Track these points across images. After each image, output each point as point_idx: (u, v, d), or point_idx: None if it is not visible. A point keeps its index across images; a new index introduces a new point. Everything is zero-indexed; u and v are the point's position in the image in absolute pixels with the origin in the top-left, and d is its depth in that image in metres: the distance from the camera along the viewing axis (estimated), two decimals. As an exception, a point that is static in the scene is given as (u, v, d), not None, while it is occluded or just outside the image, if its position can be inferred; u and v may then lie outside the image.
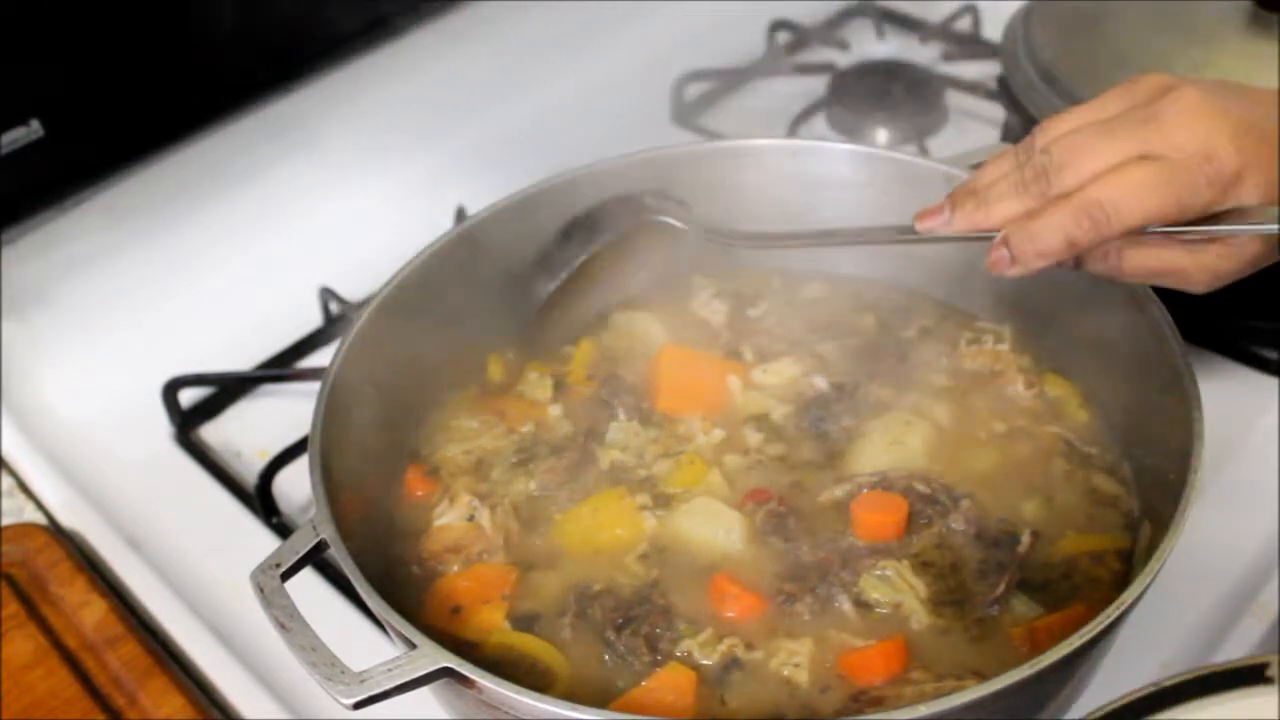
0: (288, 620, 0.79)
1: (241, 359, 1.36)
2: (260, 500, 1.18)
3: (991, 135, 1.54)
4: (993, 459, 1.02)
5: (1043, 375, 1.08)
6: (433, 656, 0.76)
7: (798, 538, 0.96)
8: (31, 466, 1.27)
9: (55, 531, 1.19)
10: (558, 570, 0.97)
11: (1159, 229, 0.81)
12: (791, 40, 1.78)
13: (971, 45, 1.72)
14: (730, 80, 1.73)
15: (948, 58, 1.71)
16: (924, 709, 0.71)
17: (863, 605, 0.92)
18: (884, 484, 0.98)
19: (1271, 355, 1.22)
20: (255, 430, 1.31)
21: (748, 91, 1.73)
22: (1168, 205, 0.79)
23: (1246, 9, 1.22)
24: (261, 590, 0.81)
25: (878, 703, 0.84)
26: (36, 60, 1.21)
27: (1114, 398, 1.03)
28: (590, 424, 1.07)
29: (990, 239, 0.86)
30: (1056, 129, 0.85)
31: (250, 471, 1.22)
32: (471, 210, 1.20)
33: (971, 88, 1.61)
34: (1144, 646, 0.97)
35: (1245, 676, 0.68)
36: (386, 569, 0.97)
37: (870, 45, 1.78)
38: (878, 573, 0.93)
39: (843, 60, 1.72)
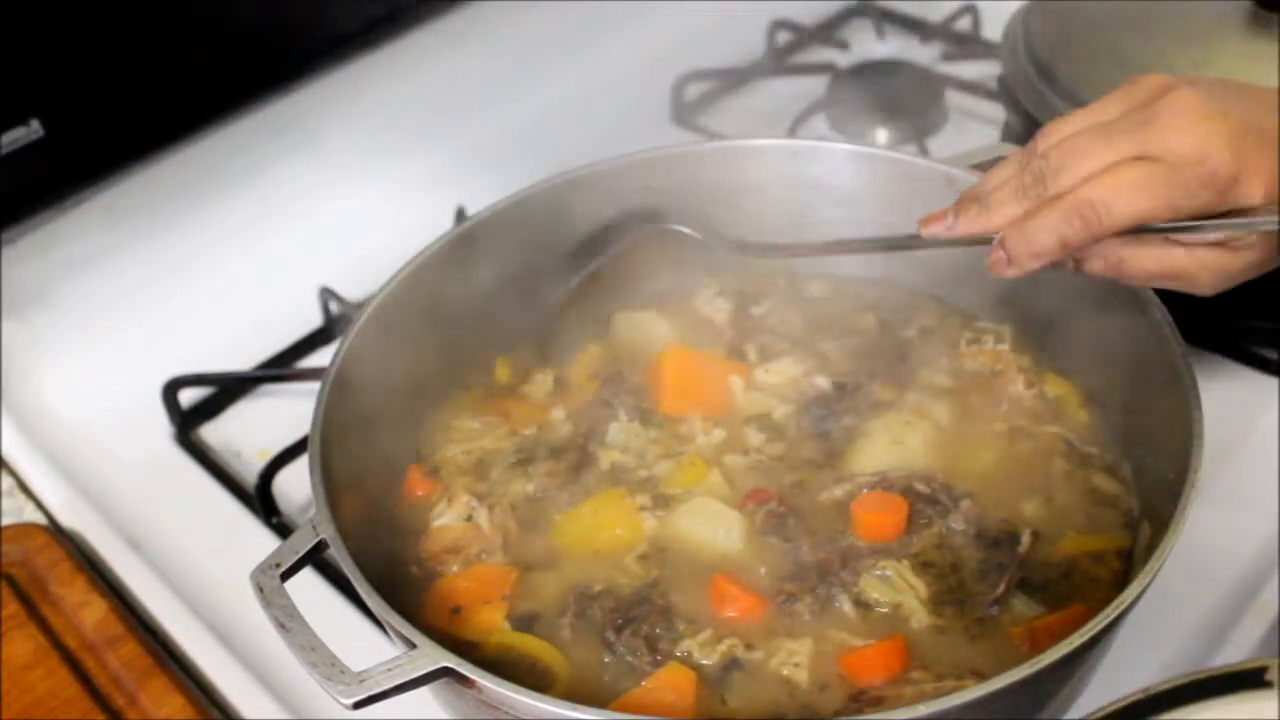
0: (288, 620, 0.79)
1: (241, 359, 1.36)
2: (260, 500, 1.18)
3: (991, 135, 1.54)
4: (993, 459, 1.02)
5: (1043, 375, 1.08)
6: (432, 656, 0.76)
7: (798, 538, 0.96)
8: (31, 466, 1.27)
9: (55, 531, 1.19)
10: (557, 570, 0.97)
11: (1155, 229, 0.81)
12: (791, 40, 1.78)
13: (971, 45, 1.72)
14: (730, 80, 1.73)
15: (948, 58, 1.71)
16: (924, 709, 0.71)
17: (863, 605, 0.92)
18: (884, 484, 0.98)
19: (1271, 355, 1.22)
20: (255, 430, 1.31)
21: (748, 91, 1.73)
22: (1160, 206, 0.79)
23: (1246, 9, 1.22)
24: (261, 590, 0.81)
25: (878, 702, 0.84)
26: (36, 60, 1.21)
27: (1114, 398, 1.03)
28: (591, 425, 1.07)
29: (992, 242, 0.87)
30: (1057, 133, 0.85)
31: (250, 471, 1.22)
32: (471, 210, 1.20)
33: (971, 88, 1.61)
34: (1144, 646, 0.97)
35: (1245, 680, 0.68)
36: (386, 569, 0.97)
37: (870, 45, 1.78)
38: (878, 573, 0.93)
39: (843, 60, 1.72)
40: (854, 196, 1.14)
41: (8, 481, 1.27)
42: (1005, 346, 1.10)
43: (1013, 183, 0.86)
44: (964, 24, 1.75)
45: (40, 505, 1.24)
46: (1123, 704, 0.68)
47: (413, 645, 0.77)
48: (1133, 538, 0.95)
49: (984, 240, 0.88)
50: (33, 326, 1.34)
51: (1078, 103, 0.88)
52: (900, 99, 1.60)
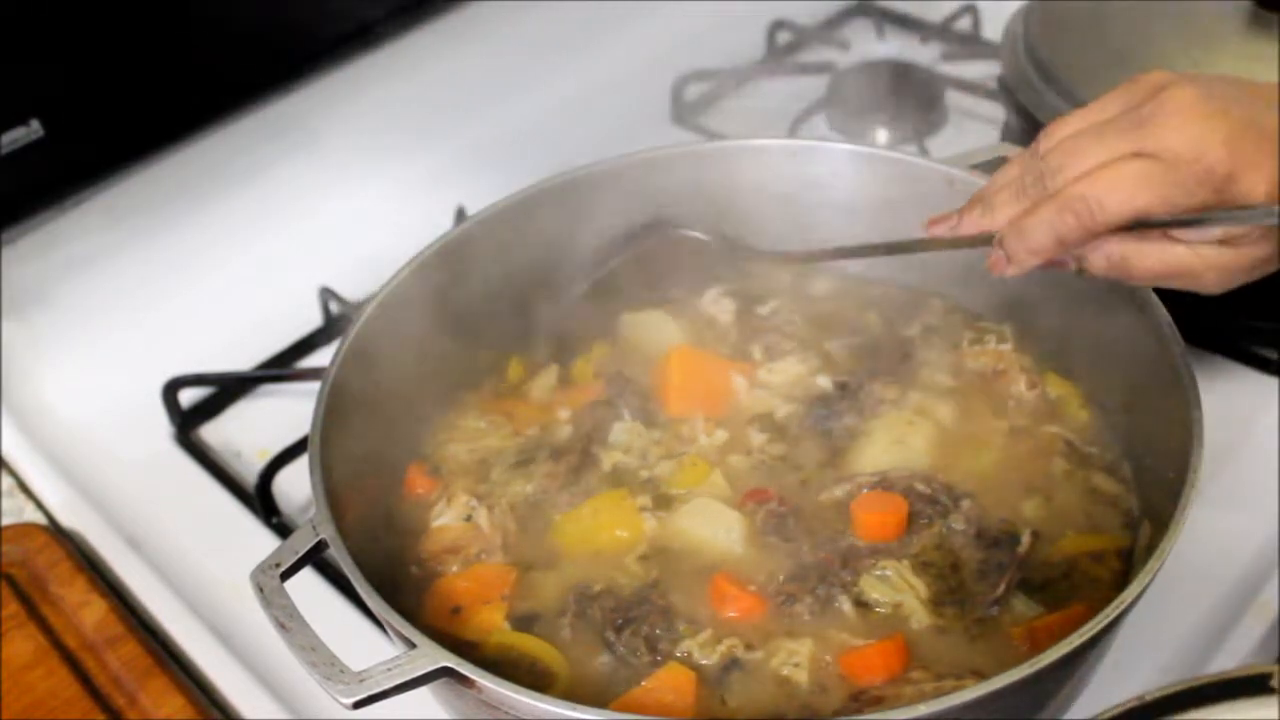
0: (288, 620, 0.79)
1: (241, 359, 1.36)
2: (260, 500, 1.18)
3: (991, 135, 1.54)
4: (994, 459, 1.03)
5: (1044, 375, 1.08)
6: (432, 656, 0.76)
7: (798, 538, 0.96)
8: (31, 466, 1.27)
9: (55, 531, 1.19)
10: (557, 570, 0.97)
11: (1153, 224, 0.81)
12: (791, 40, 1.78)
13: (971, 45, 1.72)
14: (730, 80, 1.72)
15: (948, 58, 1.70)
16: (924, 708, 0.71)
17: (863, 605, 0.92)
18: (884, 484, 0.98)
19: (1271, 355, 1.22)
20: (255, 430, 1.31)
21: (748, 91, 1.73)
22: (1155, 201, 0.79)
23: (1246, 9, 1.22)
24: (261, 590, 0.81)
25: (877, 702, 0.84)
26: (36, 60, 1.21)
27: (1114, 398, 1.03)
28: (594, 426, 1.07)
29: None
30: (1058, 133, 0.86)
31: (250, 471, 1.22)
32: (471, 210, 1.20)
33: (971, 88, 1.61)
34: (1144, 646, 0.97)
35: (1248, 686, 0.67)
36: (386, 569, 0.97)
37: (870, 45, 1.77)
38: (878, 573, 0.93)
39: (843, 60, 1.72)
40: (854, 196, 1.14)
41: (8, 481, 1.27)
42: (1007, 346, 1.10)
43: (1015, 184, 0.87)
44: (964, 24, 1.75)
45: (40, 505, 1.24)
46: (1127, 706, 0.67)
47: (413, 645, 0.78)
48: (1133, 538, 0.95)
49: (987, 240, 0.88)
50: (33, 326, 1.34)
51: (1078, 103, 0.88)
52: (900, 99, 1.60)
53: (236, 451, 1.30)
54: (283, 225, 1.46)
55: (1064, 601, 0.90)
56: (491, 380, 1.14)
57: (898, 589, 0.92)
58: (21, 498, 1.25)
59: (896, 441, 1.02)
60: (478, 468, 1.06)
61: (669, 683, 0.87)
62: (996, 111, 1.51)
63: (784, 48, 1.77)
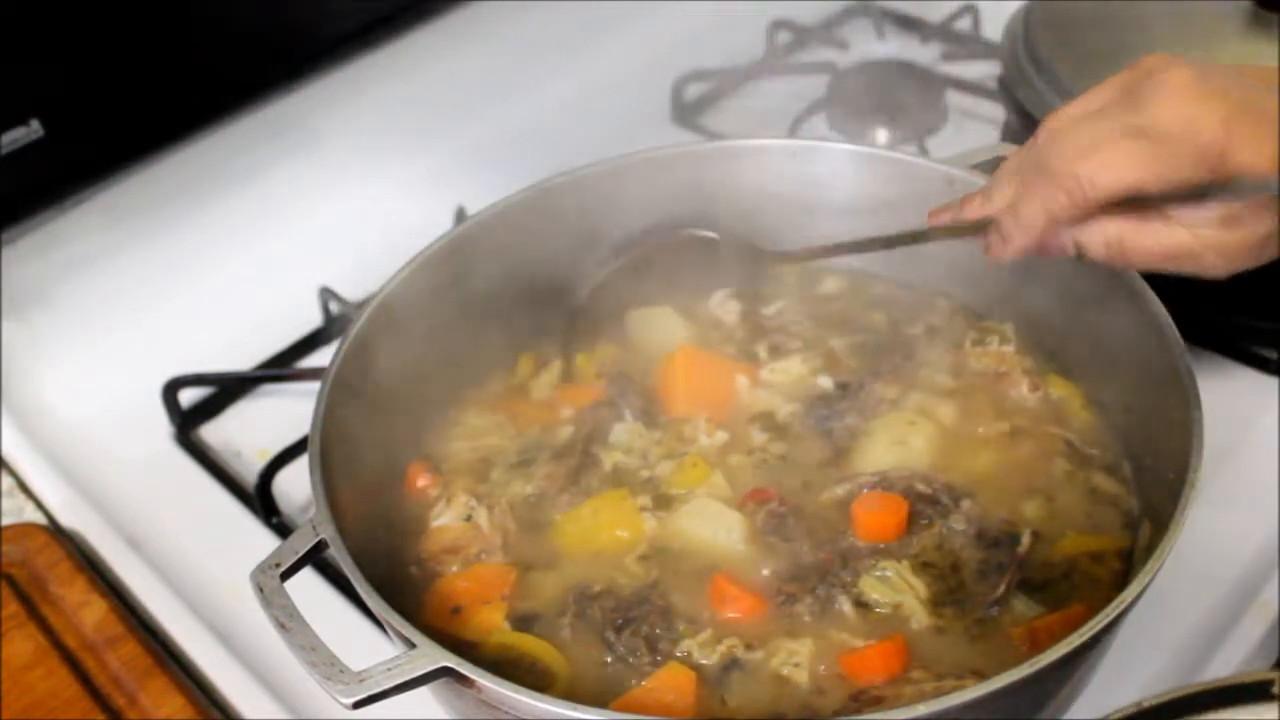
0: (288, 620, 0.79)
1: (241, 359, 1.36)
2: (260, 500, 1.18)
3: (991, 135, 1.54)
4: (995, 459, 1.02)
5: (1046, 377, 1.08)
6: (432, 656, 0.76)
7: (798, 538, 0.96)
8: (31, 466, 1.27)
9: (55, 531, 1.19)
10: (557, 570, 0.97)
11: (1147, 199, 0.80)
12: (791, 40, 1.78)
13: (971, 45, 1.72)
14: (730, 80, 1.72)
15: (948, 58, 1.71)
16: (923, 708, 0.71)
17: (863, 606, 0.92)
18: (884, 484, 0.98)
19: (1271, 355, 1.22)
20: (255, 430, 1.31)
21: (748, 91, 1.73)
22: (1146, 175, 0.78)
23: (1246, 9, 1.22)
24: (261, 590, 0.81)
25: (877, 702, 0.84)
26: (36, 60, 1.21)
27: (1114, 397, 1.03)
28: (596, 426, 1.07)
29: None
30: (1055, 121, 0.86)
31: (250, 471, 1.22)
32: (471, 210, 1.20)
33: (971, 88, 1.61)
34: (1144, 646, 0.97)
35: (1249, 693, 0.67)
36: (386, 569, 0.97)
37: (870, 45, 1.78)
38: (878, 573, 0.93)
39: (843, 60, 1.72)
40: (854, 196, 1.14)
41: (8, 481, 1.27)
42: (1010, 348, 1.10)
43: (1014, 172, 0.88)
44: (964, 24, 1.75)
45: (40, 505, 1.24)
46: (1116, 718, 0.67)
47: (412, 645, 0.77)
48: (1133, 538, 0.95)
49: (985, 227, 0.89)
50: (33, 326, 1.34)
51: (1078, 102, 0.88)
52: (900, 99, 1.60)
53: (236, 451, 1.30)
54: (283, 225, 1.46)
55: (1064, 602, 0.90)
56: (497, 379, 1.14)
57: (898, 589, 0.92)
58: (21, 498, 1.25)
59: (898, 442, 1.02)
60: (479, 467, 1.06)
61: (669, 683, 0.87)
62: (996, 111, 1.51)
63: (784, 48, 1.77)
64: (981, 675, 0.82)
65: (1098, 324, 1.02)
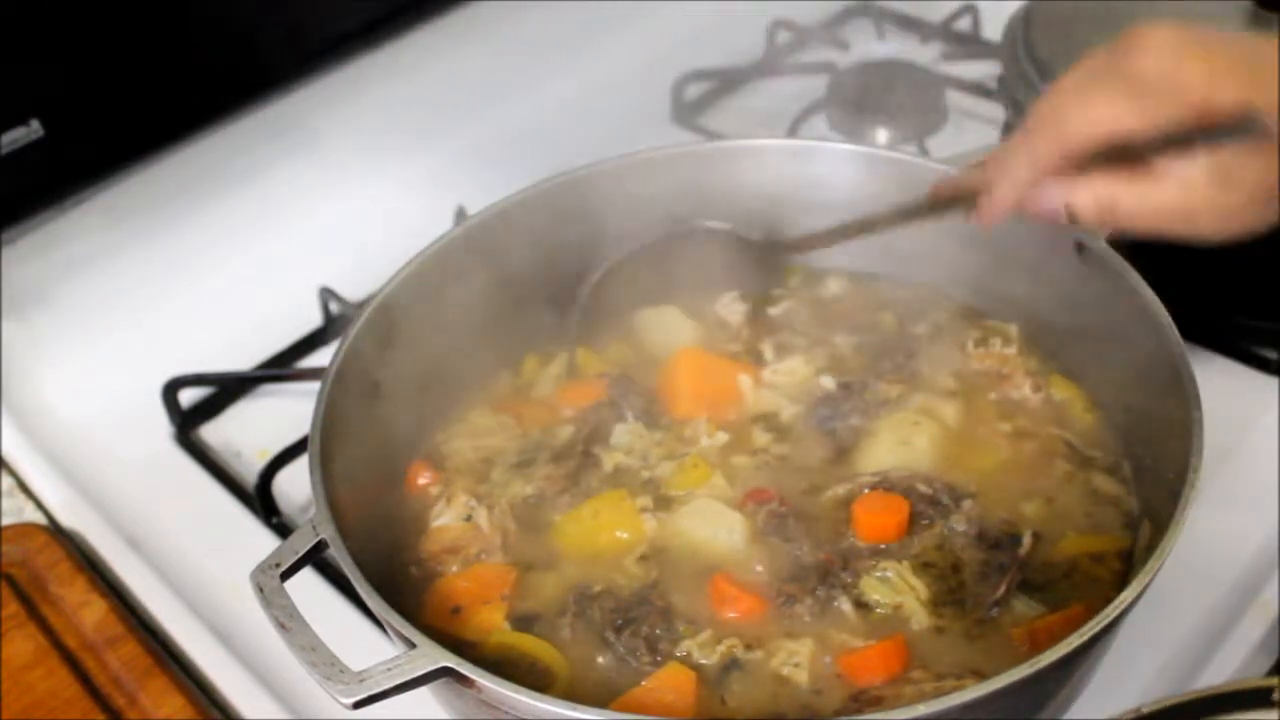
0: (288, 620, 0.79)
1: (241, 359, 1.36)
2: (260, 500, 1.18)
3: (991, 135, 1.54)
4: (996, 460, 1.03)
5: (1049, 378, 1.08)
6: (432, 656, 0.76)
7: (798, 538, 0.96)
8: (31, 466, 1.27)
9: (55, 531, 1.19)
10: (557, 571, 0.97)
11: (1133, 146, 0.80)
12: (791, 40, 1.78)
13: (971, 45, 1.72)
14: (730, 80, 1.73)
15: (948, 58, 1.70)
16: (923, 708, 0.71)
17: (863, 606, 0.92)
18: (885, 484, 0.98)
19: (1271, 355, 1.22)
20: (255, 430, 1.31)
21: (748, 91, 1.73)
22: (1127, 117, 0.78)
23: (1246, 9, 1.22)
24: (261, 590, 0.81)
25: (877, 702, 0.84)
26: (36, 60, 1.21)
27: (1115, 397, 1.03)
28: (597, 427, 1.07)
29: None
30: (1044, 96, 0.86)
31: (250, 471, 1.22)
32: (471, 210, 1.20)
33: (971, 88, 1.61)
34: (1144, 646, 0.97)
35: (1248, 699, 0.67)
36: (386, 569, 0.97)
37: (870, 45, 1.77)
38: (878, 574, 0.93)
39: (843, 60, 1.72)
40: (854, 196, 1.14)
41: (8, 481, 1.27)
42: (1013, 349, 1.10)
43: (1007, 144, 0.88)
44: (964, 24, 1.75)
45: (40, 505, 1.24)
46: (1132, 714, 0.67)
47: (412, 645, 0.78)
48: (1133, 538, 0.95)
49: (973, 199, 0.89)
50: (33, 326, 1.34)
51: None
52: (900, 99, 1.60)
53: (236, 451, 1.30)
54: (283, 225, 1.46)
55: (1064, 602, 0.90)
56: (502, 378, 1.14)
57: (898, 590, 0.92)
58: (21, 498, 1.25)
59: (901, 442, 1.02)
60: (479, 467, 1.06)
61: (669, 683, 0.87)
62: (996, 111, 1.51)
63: (784, 48, 1.77)
64: (981, 675, 0.82)
65: (1098, 324, 1.02)
